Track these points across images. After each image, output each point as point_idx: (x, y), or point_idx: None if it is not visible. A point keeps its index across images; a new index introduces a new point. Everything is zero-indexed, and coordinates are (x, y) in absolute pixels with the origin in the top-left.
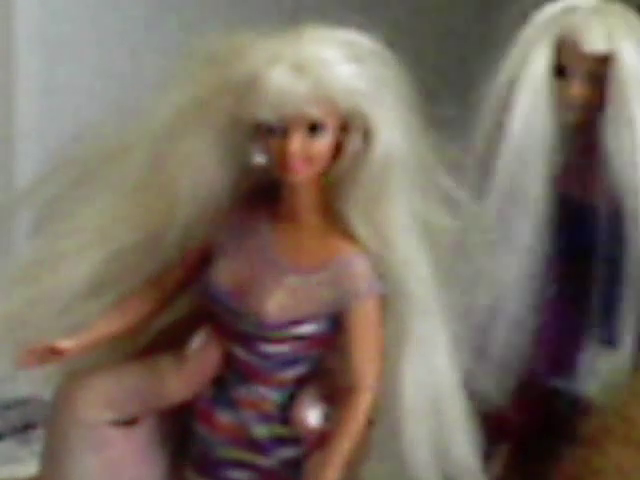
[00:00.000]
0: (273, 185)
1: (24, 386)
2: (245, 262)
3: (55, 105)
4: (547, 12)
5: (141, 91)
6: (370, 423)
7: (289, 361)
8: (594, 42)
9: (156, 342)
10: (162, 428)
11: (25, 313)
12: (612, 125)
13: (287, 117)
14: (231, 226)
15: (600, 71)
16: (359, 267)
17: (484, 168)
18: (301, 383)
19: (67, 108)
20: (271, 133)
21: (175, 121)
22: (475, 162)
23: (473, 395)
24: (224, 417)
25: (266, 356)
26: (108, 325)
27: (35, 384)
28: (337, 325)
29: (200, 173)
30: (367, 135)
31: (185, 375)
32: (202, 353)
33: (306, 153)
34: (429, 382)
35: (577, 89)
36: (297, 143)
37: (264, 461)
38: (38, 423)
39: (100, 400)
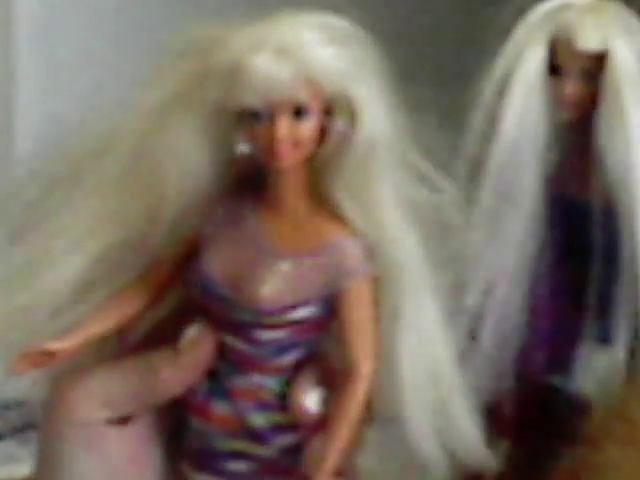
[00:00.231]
0: (258, 173)
1: (24, 386)
2: (235, 251)
3: (55, 105)
4: (541, 10)
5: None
6: (368, 405)
7: (285, 347)
8: (588, 40)
9: (147, 338)
10: (156, 424)
11: (15, 317)
12: (605, 123)
13: (273, 102)
14: (218, 216)
15: (594, 69)
16: (350, 249)
17: (476, 166)
18: (297, 369)
19: (67, 108)
20: (256, 120)
21: (158, 114)
22: (467, 160)
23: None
24: (220, 408)
25: (261, 343)
26: (99, 324)
27: (34, 384)
28: (331, 308)
29: (186, 165)
30: (351, 117)
31: (180, 368)
32: (196, 345)
33: (293, 137)
34: (425, 356)
35: (571, 87)
36: (284, 128)
37: (262, 450)
38: (38, 423)
39: (94, 399)
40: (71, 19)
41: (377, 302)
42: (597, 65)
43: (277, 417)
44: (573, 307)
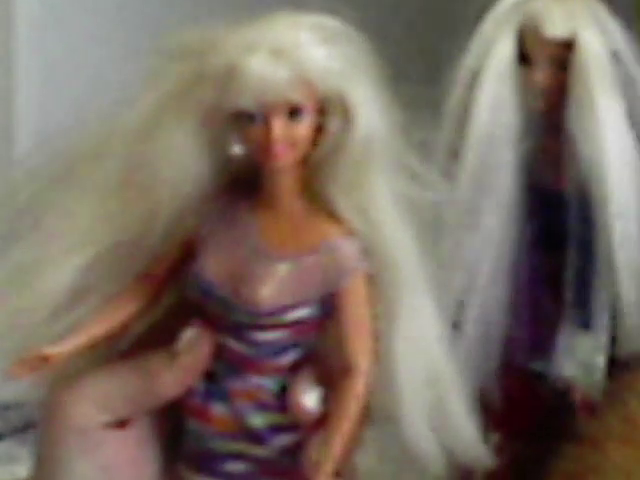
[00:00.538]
0: (252, 174)
1: (23, 387)
2: (232, 252)
3: (55, 106)
4: (509, 0)
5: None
6: (366, 407)
7: (282, 348)
8: (555, 27)
9: (142, 340)
10: (153, 427)
11: (12, 321)
12: (576, 111)
13: (268, 103)
14: (213, 218)
15: (564, 57)
16: (346, 249)
17: (452, 157)
18: (295, 369)
19: (66, 108)
20: (251, 121)
21: (153, 116)
22: (443, 151)
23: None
24: (218, 410)
25: (259, 344)
26: (95, 327)
27: (34, 385)
28: (328, 307)
29: (181, 166)
30: (346, 116)
31: (178, 371)
32: (194, 347)
33: (288, 138)
34: (422, 354)
35: (541, 76)
36: (279, 128)
37: (261, 451)
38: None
39: (92, 403)
40: (71, 19)
41: (374, 301)
42: (566, 53)
43: (276, 417)
44: (552, 294)
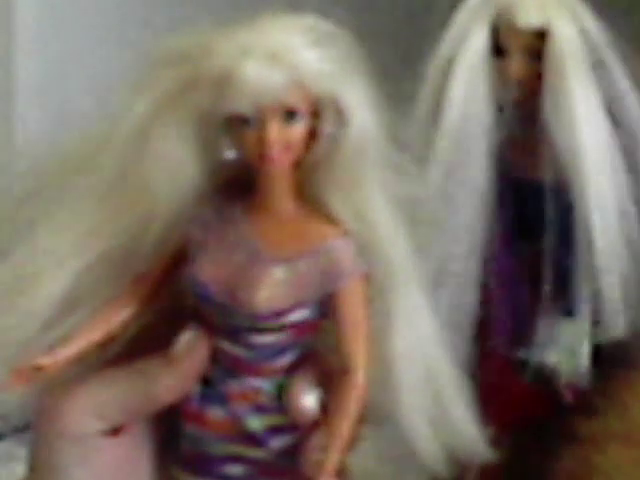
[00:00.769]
0: (247, 177)
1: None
2: (227, 256)
3: (55, 106)
4: None
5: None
6: (364, 408)
7: (280, 350)
8: (528, 17)
9: (137, 344)
10: (148, 432)
11: (5, 333)
12: (551, 100)
13: (263, 107)
14: (208, 221)
15: (538, 48)
16: (343, 250)
17: (425, 148)
18: (293, 370)
19: (67, 109)
20: (246, 125)
21: (146, 121)
22: (416, 141)
23: None
24: (215, 414)
25: (256, 347)
26: (89, 336)
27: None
28: (325, 309)
29: (175, 171)
30: (339, 118)
31: (175, 376)
32: (190, 352)
33: (284, 141)
34: (420, 354)
35: (515, 66)
36: (275, 132)
37: (259, 453)
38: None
39: (87, 411)
40: (71, 19)
41: (371, 301)
42: (540, 43)
43: (274, 419)
44: (531, 283)
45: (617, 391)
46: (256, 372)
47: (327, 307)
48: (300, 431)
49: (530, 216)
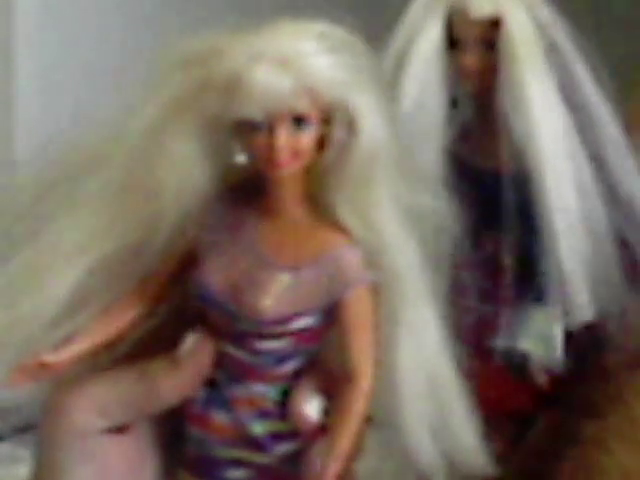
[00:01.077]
0: (256, 181)
1: (24, 387)
2: (235, 261)
3: (55, 107)
4: None
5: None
6: (367, 416)
7: (284, 356)
8: (480, 8)
9: (143, 345)
10: (153, 432)
11: (12, 329)
12: (505, 91)
13: (272, 113)
14: (216, 225)
15: (492, 38)
16: (350, 258)
17: None
18: (297, 377)
19: (67, 110)
20: (255, 130)
21: (157, 123)
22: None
23: None
24: (219, 417)
25: (261, 353)
26: (96, 335)
27: (35, 386)
28: (331, 317)
29: (184, 174)
30: (350, 126)
31: (179, 378)
32: (195, 354)
33: (292, 147)
34: (424, 364)
35: (470, 58)
36: (283, 138)
37: (262, 458)
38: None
39: (93, 408)
40: (71, 18)
41: (377, 309)
42: (494, 34)
43: (277, 425)
44: (494, 272)
45: (620, 392)
46: (260, 378)
47: (333, 315)
48: (303, 438)
49: (492, 206)
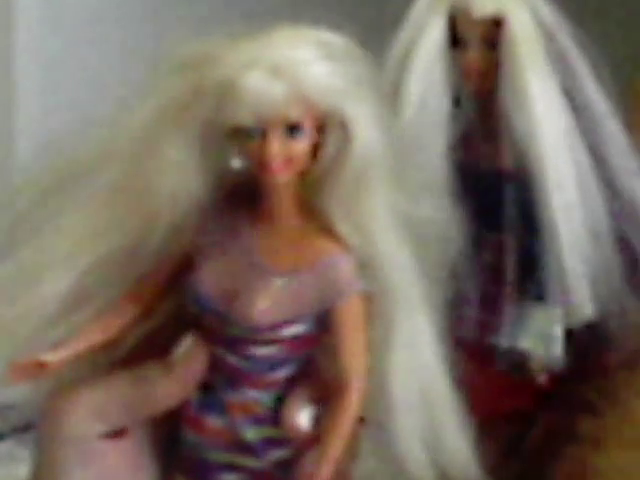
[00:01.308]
0: (251, 187)
1: (24, 387)
2: (229, 266)
3: (55, 107)
4: None
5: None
6: (360, 421)
7: (277, 363)
8: (483, 7)
9: (139, 349)
10: (150, 436)
11: (9, 328)
12: (507, 90)
13: (265, 120)
14: (211, 230)
15: (494, 37)
16: (343, 266)
17: None
18: (290, 384)
19: (66, 110)
20: (249, 136)
21: (151, 129)
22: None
23: None
24: (213, 421)
25: (254, 358)
26: (92, 336)
27: (35, 385)
28: (323, 324)
29: (179, 178)
30: (345, 134)
31: (174, 381)
32: (190, 358)
33: (286, 154)
34: (417, 375)
35: (473, 57)
36: (276, 145)
37: (256, 463)
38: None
39: (89, 413)
40: (71, 19)
41: (370, 318)
42: (497, 33)
43: (270, 431)
44: (496, 271)
45: (618, 391)
46: (254, 383)
47: (327, 322)
48: (296, 445)
49: (493, 205)
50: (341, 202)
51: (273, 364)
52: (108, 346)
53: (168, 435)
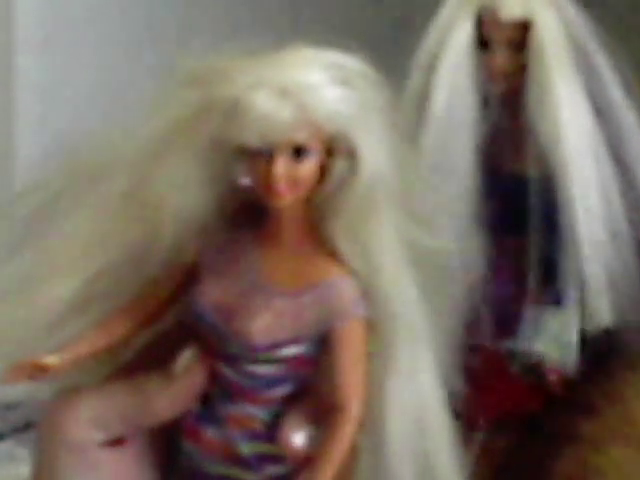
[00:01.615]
0: (258, 205)
1: (24, 387)
2: (231, 284)
3: (55, 108)
4: None
5: (140, 92)
6: (355, 444)
7: (275, 381)
8: (511, 9)
9: (140, 359)
10: (149, 446)
11: (12, 330)
12: (533, 93)
13: (271, 141)
14: (217, 247)
15: (522, 40)
16: (345, 290)
17: (411, 142)
18: (288, 402)
19: (67, 110)
20: (256, 156)
21: (159, 141)
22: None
23: None
24: (210, 434)
25: (252, 376)
26: (93, 342)
27: (35, 385)
28: (322, 346)
29: (184, 193)
30: (352, 158)
31: (173, 394)
32: (189, 372)
33: (291, 177)
34: (414, 403)
35: (499, 59)
36: (282, 167)
37: (251, 476)
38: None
39: (89, 421)
40: (72, 19)
41: (370, 345)
42: (524, 35)
43: (264, 447)
44: (516, 274)
45: (618, 391)
46: (252, 399)
47: (326, 344)
48: (290, 464)
49: (515, 208)
50: (346, 226)
51: (271, 382)
52: (110, 354)
53: (168, 445)
